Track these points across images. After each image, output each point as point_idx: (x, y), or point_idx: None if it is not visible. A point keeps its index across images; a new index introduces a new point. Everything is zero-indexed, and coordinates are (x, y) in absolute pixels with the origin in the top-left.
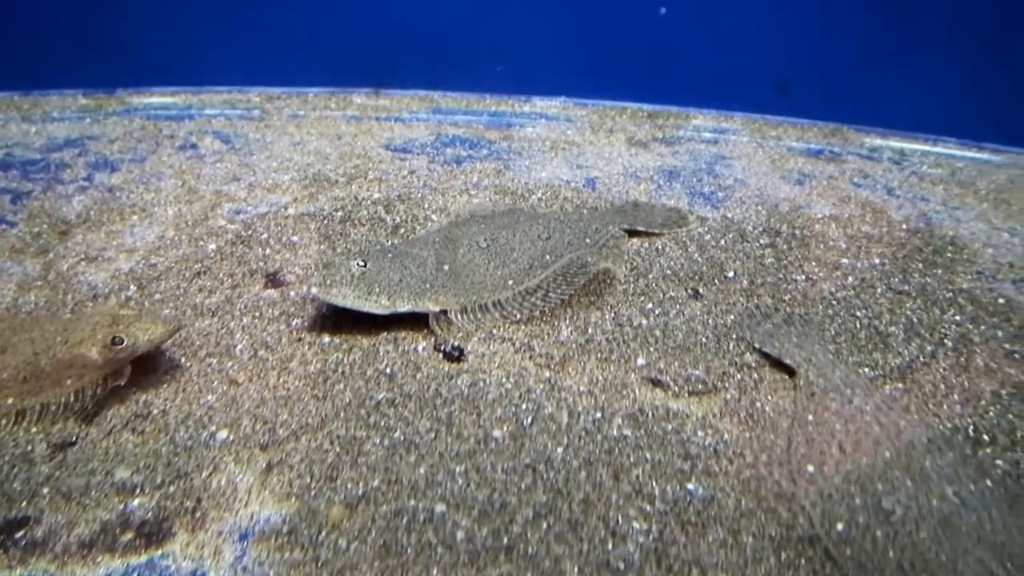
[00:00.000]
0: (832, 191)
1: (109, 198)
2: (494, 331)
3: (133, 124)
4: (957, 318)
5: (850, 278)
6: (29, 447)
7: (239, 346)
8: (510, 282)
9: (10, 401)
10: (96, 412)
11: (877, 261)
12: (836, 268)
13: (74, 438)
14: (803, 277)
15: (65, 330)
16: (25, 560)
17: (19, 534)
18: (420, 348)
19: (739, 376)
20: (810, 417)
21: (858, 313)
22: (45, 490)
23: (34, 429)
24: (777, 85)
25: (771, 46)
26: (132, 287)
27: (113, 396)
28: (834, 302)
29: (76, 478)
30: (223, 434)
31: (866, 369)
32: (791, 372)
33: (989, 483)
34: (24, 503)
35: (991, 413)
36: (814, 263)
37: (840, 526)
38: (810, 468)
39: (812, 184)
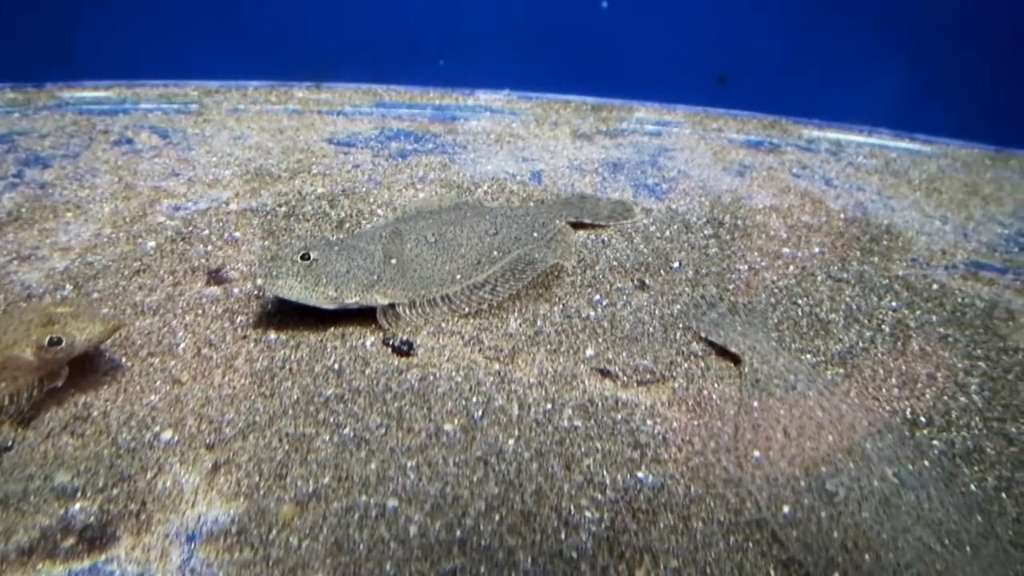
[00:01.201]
0: (772, 182)
1: (41, 195)
2: (443, 325)
3: (65, 119)
4: (894, 304)
5: (791, 267)
6: None
7: (182, 345)
8: (458, 276)
9: None
10: (33, 415)
11: (817, 250)
12: (778, 257)
13: (10, 443)
14: (746, 267)
15: None
16: None
17: None
18: (368, 343)
19: (686, 365)
20: (755, 404)
21: (799, 301)
22: None
23: None
24: (719, 78)
25: (711, 40)
26: (68, 286)
27: (50, 398)
28: (776, 291)
29: (13, 484)
30: (167, 435)
31: (808, 355)
32: (736, 360)
33: (926, 463)
34: None
35: (927, 395)
36: (756, 253)
37: (786, 509)
38: (756, 453)
39: (753, 175)
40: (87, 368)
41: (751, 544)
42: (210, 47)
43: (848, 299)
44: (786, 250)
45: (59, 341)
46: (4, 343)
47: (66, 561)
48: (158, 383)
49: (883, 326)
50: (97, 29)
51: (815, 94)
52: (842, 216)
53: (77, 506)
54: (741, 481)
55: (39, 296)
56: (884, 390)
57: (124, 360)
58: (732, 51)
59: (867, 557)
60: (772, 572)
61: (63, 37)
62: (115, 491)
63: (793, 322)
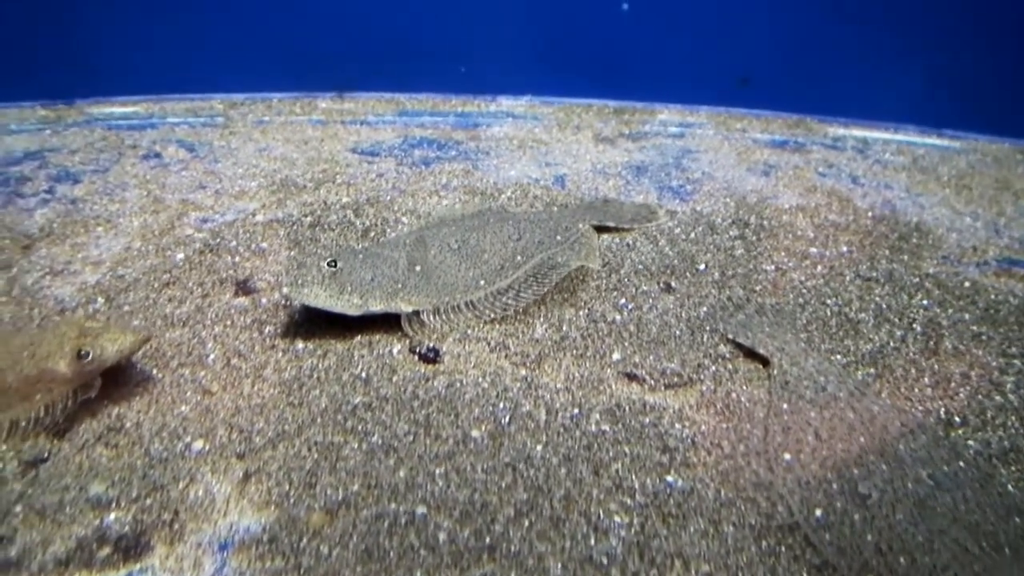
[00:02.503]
0: (798, 181)
1: (72, 210)
2: (468, 331)
3: (94, 135)
4: (925, 303)
5: (819, 267)
6: (0, 465)
7: (211, 355)
8: (482, 282)
9: None
10: (68, 427)
11: (845, 249)
12: (805, 257)
13: (46, 454)
14: (773, 267)
15: (32, 344)
16: None
17: None
18: (395, 351)
19: (714, 368)
20: (785, 406)
21: (828, 301)
22: (18, 508)
23: (4, 447)
24: (741, 80)
25: (734, 40)
26: (100, 299)
27: (85, 410)
28: (804, 291)
29: (50, 495)
30: (198, 444)
31: (838, 356)
32: (765, 362)
33: (962, 464)
34: None
35: (961, 395)
36: (783, 253)
37: (818, 512)
38: (787, 456)
39: (778, 175)
40: (119, 380)
41: (783, 548)
42: (234, 60)
43: (878, 298)
44: (813, 250)
45: (91, 353)
46: (39, 356)
47: (102, 571)
48: (189, 394)
49: (914, 325)
50: (124, 46)
51: (840, 92)
52: (870, 214)
53: (112, 516)
54: (772, 484)
55: (72, 309)
56: (917, 390)
57: (155, 371)
58: (755, 51)
59: (902, 560)
60: None
61: (92, 55)
62: (148, 501)
63: (822, 322)
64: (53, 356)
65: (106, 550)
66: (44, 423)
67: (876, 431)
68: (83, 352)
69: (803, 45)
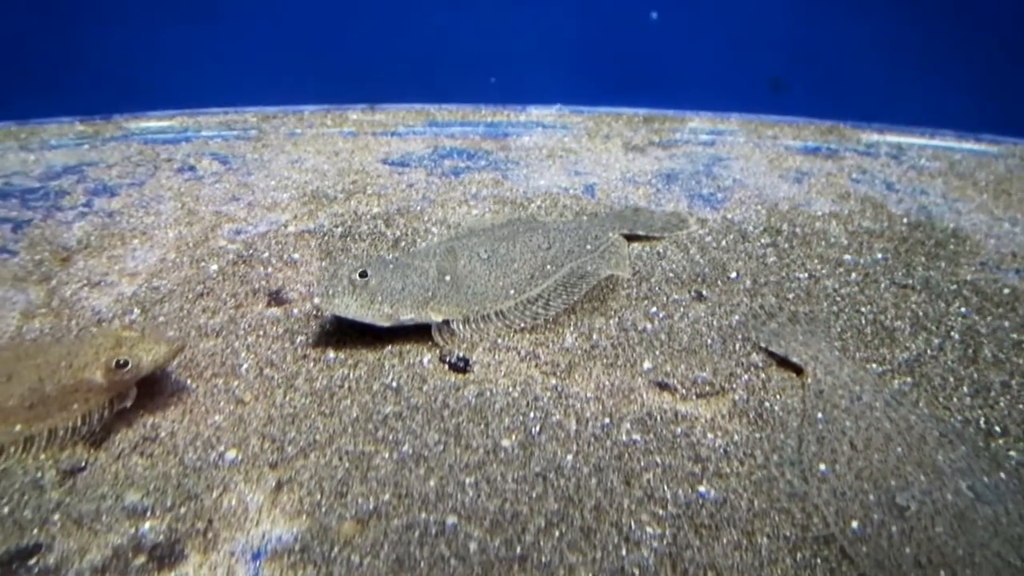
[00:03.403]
0: (831, 188)
1: (109, 223)
2: (499, 341)
3: (130, 149)
4: (963, 310)
5: (853, 274)
6: (39, 474)
7: (244, 365)
8: (512, 292)
9: (18, 428)
10: (104, 436)
11: (880, 256)
12: (839, 265)
13: (83, 463)
14: (806, 275)
15: (69, 355)
16: None
17: (31, 562)
18: (425, 361)
19: (746, 376)
20: (820, 415)
21: (863, 309)
22: (56, 517)
23: (43, 456)
24: (771, 81)
25: (764, 46)
26: (136, 310)
27: (121, 420)
28: (838, 299)
29: (86, 503)
30: (232, 454)
31: (873, 365)
32: (798, 371)
33: (1003, 475)
34: (35, 530)
35: (1002, 404)
36: (816, 260)
37: (855, 524)
38: (822, 467)
39: (811, 182)
40: (154, 390)
41: (819, 561)
42: (267, 74)
43: (914, 306)
44: (847, 257)
45: (127, 363)
46: (76, 366)
47: None
48: (222, 403)
49: (952, 333)
50: (160, 62)
51: (874, 97)
52: (905, 221)
53: (147, 525)
54: (807, 495)
55: (108, 320)
56: (955, 399)
57: (189, 381)
58: (786, 56)
59: (942, 573)
60: None
61: (128, 71)
62: (183, 510)
63: (857, 331)
64: (90, 366)
65: (141, 558)
66: (81, 432)
67: (914, 441)
68: (119, 362)
69: (835, 50)
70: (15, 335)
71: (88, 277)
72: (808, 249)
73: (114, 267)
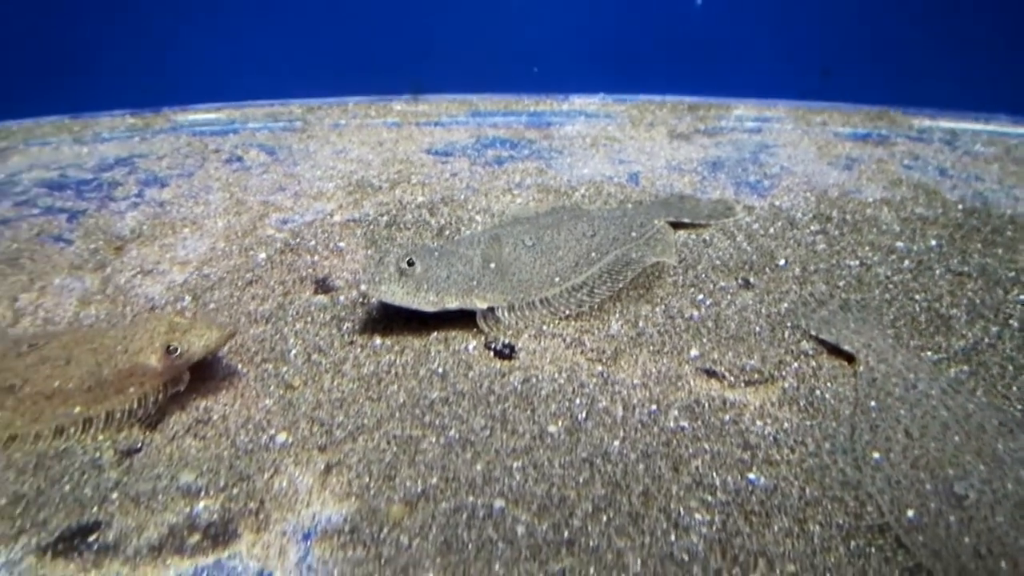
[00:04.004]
0: (882, 174)
1: (160, 213)
2: (544, 327)
3: (180, 141)
4: (1022, 297)
5: (906, 261)
6: (97, 454)
7: (293, 351)
8: (556, 279)
9: (77, 410)
10: (159, 419)
11: (934, 243)
12: (891, 252)
13: (139, 444)
14: (857, 262)
15: (124, 340)
16: (99, 564)
17: (92, 538)
18: (471, 347)
19: (796, 364)
20: (873, 403)
21: (917, 296)
22: (114, 495)
23: (101, 437)
24: (822, 71)
25: (812, 31)
26: (187, 298)
27: (174, 403)
28: (891, 286)
29: (143, 483)
30: (282, 437)
31: (928, 353)
32: (850, 359)
33: None
34: (95, 508)
35: None
36: (868, 248)
37: (910, 513)
38: (876, 455)
39: (861, 168)
40: (207, 374)
41: (874, 549)
42: (312, 67)
43: (970, 293)
44: (900, 244)
45: (179, 348)
46: (131, 351)
47: (192, 557)
48: (272, 388)
49: (1011, 321)
50: (207, 56)
51: (926, 82)
52: (960, 207)
53: (201, 505)
54: (860, 484)
55: (161, 307)
56: (1015, 388)
57: (240, 366)
58: (835, 41)
59: (1003, 564)
60: None
61: (177, 66)
62: (235, 490)
63: (910, 318)
64: (144, 351)
65: (196, 537)
66: (137, 415)
67: (972, 430)
68: (172, 347)
69: (885, 33)
70: (73, 320)
71: (141, 265)
72: (859, 236)
73: (166, 255)
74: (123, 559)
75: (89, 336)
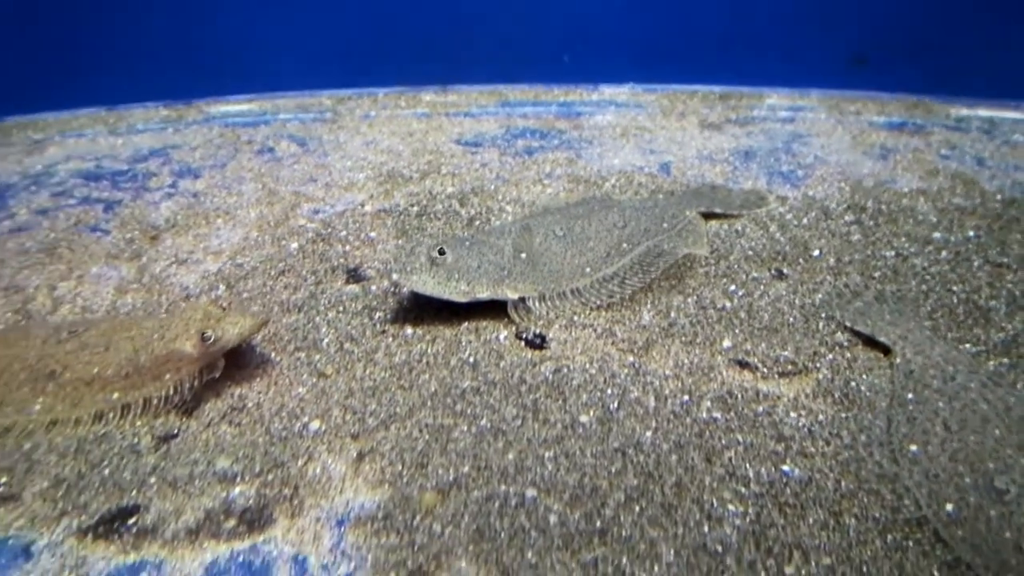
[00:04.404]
0: (918, 164)
1: (194, 203)
2: (575, 318)
3: (212, 132)
4: None
5: (944, 252)
6: (135, 439)
7: (325, 340)
8: (587, 270)
9: (115, 396)
10: (194, 405)
11: (972, 234)
12: (928, 243)
13: (176, 430)
14: (893, 253)
15: (161, 327)
16: (138, 546)
17: (131, 521)
18: (502, 337)
19: (831, 356)
20: (910, 395)
21: (955, 288)
22: (152, 479)
23: (138, 422)
24: (855, 56)
25: (846, 18)
26: (221, 287)
27: (210, 390)
28: (928, 277)
29: (180, 468)
30: (315, 424)
31: (967, 345)
32: (886, 351)
33: None
34: (134, 492)
35: None
36: (904, 238)
37: (949, 507)
38: (913, 448)
39: (896, 158)
40: (241, 362)
41: (911, 543)
42: (341, 57)
43: (1010, 285)
44: (937, 235)
45: (214, 335)
46: (167, 338)
47: (228, 541)
48: (305, 376)
49: None
50: (238, 48)
51: (963, 70)
52: (999, 197)
53: (237, 490)
54: (897, 477)
55: (196, 296)
56: None
57: (274, 355)
58: (869, 29)
59: None
60: (936, 573)
61: (209, 57)
62: (270, 476)
63: (948, 310)
64: (180, 338)
65: (232, 521)
66: (173, 401)
67: (1013, 423)
68: (206, 335)
69: (921, 20)
70: (110, 309)
71: (176, 255)
72: (895, 227)
73: (200, 245)
74: (161, 542)
75: (127, 324)
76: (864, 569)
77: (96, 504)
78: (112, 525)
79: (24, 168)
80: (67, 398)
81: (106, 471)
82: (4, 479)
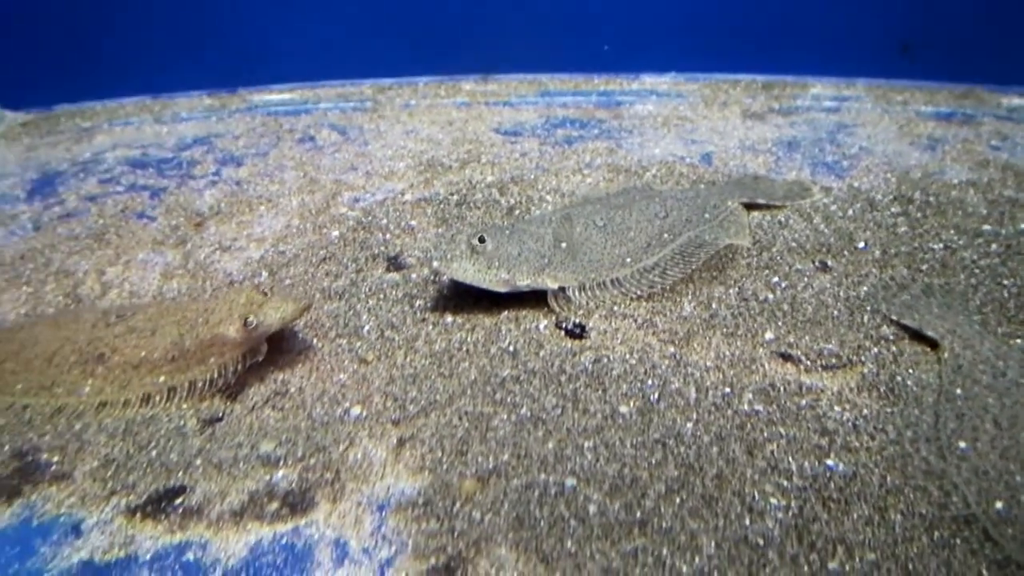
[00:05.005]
0: (968, 155)
1: (237, 191)
2: (615, 308)
3: (255, 120)
4: None
5: (994, 245)
6: (181, 422)
7: (366, 327)
8: (628, 260)
9: (161, 379)
10: (238, 390)
11: (1023, 227)
12: (977, 235)
13: (220, 414)
14: (941, 246)
15: (205, 312)
16: (184, 526)
17: (177, 501)
18: (541, 326)
19: (876, 349)
20: (958, 391)
21: (1005, 282)
22: (198, 461)
23: (184, 405)
24: (902, 44)
25: (893, 5)
26: (264, 273)
27: (253, 375)
28: (977, 271)
29: (225, 451)
30: (356, 410)
31: (1018, 340)
32: (933, 345)
33: None
34: (180, 473)
35: None
36: (952, 231)
37: (999, 505)
38: (962, 444)
39: (945, 149)
40: (283, 348)
41: (959, 541)
42: (382, 47)
43: None
44: (987, 227)
45: (256, 320)
46: (212, 322)
47: (272, 523)
48: (346, 362)
49: None
50: (281, 37)
51: (1014, 57)
52: None
53: (280, 473)
54: (945, 473)
55: (239, 282)
56: None
57: (315, 341)
58: (916, 16)
59: None
60: (984, 572)
61: (251, 47)
62: (312, 461)
63: (998, 304)
64: (224, 323)
65: (275, 504)
66: (217, 384)
67: None
68: (249, 319)
69: (971, 7)
70: (156, 294)
71: (219, 241)
72: (943, 219)
73: (243, 232)
74: (207, 522)
75: (172, 308)
76: (910, 566)
77: (144, 484)
78: (159, 505)
79: (73, 155)
80: (115, 380)
81: (153, 452)
82: (56, 458)
